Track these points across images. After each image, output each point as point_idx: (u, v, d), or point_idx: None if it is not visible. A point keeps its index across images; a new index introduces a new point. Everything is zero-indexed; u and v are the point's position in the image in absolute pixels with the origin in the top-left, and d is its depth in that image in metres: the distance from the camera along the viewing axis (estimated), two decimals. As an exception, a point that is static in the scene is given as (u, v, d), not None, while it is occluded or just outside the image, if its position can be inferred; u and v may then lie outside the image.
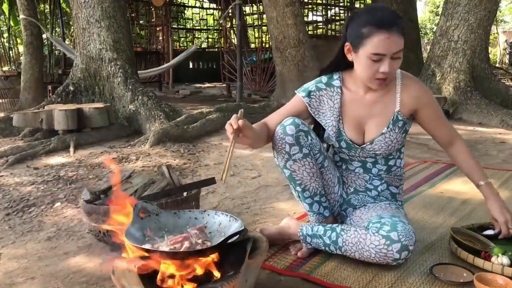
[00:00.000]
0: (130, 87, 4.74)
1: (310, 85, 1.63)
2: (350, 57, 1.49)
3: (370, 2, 11.45)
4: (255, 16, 12.42)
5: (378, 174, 1.64)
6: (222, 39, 12.28)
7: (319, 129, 1.64)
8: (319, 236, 1.54)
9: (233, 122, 1.33)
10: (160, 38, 12.78)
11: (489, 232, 1.65)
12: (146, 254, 1.18)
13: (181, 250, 1.18)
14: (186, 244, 1.20)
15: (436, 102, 1.60)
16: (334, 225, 1.55)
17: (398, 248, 1.37)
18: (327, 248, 1.54)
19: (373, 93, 1.55)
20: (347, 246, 1.48)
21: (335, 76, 1.60)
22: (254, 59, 9.79)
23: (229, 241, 1.20)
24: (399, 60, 1.42)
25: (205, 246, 1.21)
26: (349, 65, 1.54)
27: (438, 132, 1.62)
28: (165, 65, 9.11)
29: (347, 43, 1.47)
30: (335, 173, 1.67)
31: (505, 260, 1.42)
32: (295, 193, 1.64)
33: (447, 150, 1.66)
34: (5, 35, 13.37)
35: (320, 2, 13.21)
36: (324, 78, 1.62)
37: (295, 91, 1.65)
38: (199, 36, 14.84)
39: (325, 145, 1.68)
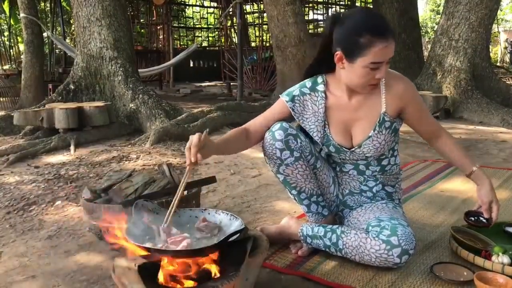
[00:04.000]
0: (130, 85, 4.74)
1: (295, 89, 1.60)
2: (340, 65, 1.43)
3: (371, 0, 11.43)
4: (256, 14, 12.43)
5: (373, 175, 1.62)
6: (223, 37, 12.28)
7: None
8: (320, 237, 1.54)
9: (193, 153, 1.25)
10: (161, 36, 12.79)
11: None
12: (147, 253, 1.18)
13: (181, 248, 1.19)
14: (185, 243, 1.20)
15: (420, 97, 1.56)
16: (335, 227, 1.55)
17: (399, 253, 1.37)
18: (327, 249, 1.54)
19: (357, 96, 1.51)
20: (348, 249, 1.47)
21: (319, 80, 1.56)
22: (255, 57, 9.81)
23: (230, 239, 1.20)
24: (387, 64, 1.41)
25: (208, 238, 1.21)
26: (331, 67, 1.51)
27: (423, 127, 1.58)
28: (166, 63, 9.11)
29: (338, 52, 1.40)
30: (329, 174, 1.66)
31: (505, 259, 1.42)
32: (292, 196, 1.65)
33: (433, 144, 1.62)
34: (6, 33, 13.37)
35: (321, 0, 13.21)
36: (308, 83, 1.58)
37: (279, 95, 1.63)
38: (200, 35, 14.84)
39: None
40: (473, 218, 1.67)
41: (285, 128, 1.52)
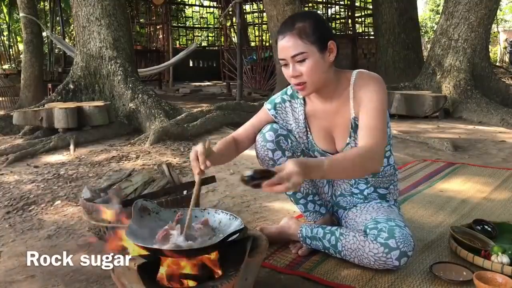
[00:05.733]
0: (130, 85, 4.74)
1: (276, 96, 1.61)
2: None
3: (371, 0, 11.43)
4: (255, 14, 12.42)
5: (363, 177, 1.59)
6: (222, 37, 12.28)
7: None
8: (319, 238, 1.54)
9: (201, 161, 1.25)
10: (160, 36, 12.80)
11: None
12: (146, 252, 1.18)
13: (181, 248, 1.18)
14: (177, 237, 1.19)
15: (379, 101, 1.36)
16: (333, 228, 1.54)
17: (397, 256, 1.36)
18: (326, 251, 1.54)
19: (331, 102, 1.47)
20: (347, 251, 1.47)
21: None
22: (254, 57, 9.80)
23: (229, 239, 1.20)
24: (305, 63, 1.33)
25: (206, 241, 1.21)
26: None
27: (360, 132, 1.36)
28: (165, 63, 9.11)
29: None
30: None
31: (504, 259, 1.43)
32: (288, 196, 1.65)
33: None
34: (5, 33, 13.37)
35: (320, 0, 13.21)
36: (289, 89, 1.58)
37: (265, 102, 1.63)
38: (199, 35, 14.84)
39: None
40: (479, 227, 1.70)
41: (275, 129, 1.53)
